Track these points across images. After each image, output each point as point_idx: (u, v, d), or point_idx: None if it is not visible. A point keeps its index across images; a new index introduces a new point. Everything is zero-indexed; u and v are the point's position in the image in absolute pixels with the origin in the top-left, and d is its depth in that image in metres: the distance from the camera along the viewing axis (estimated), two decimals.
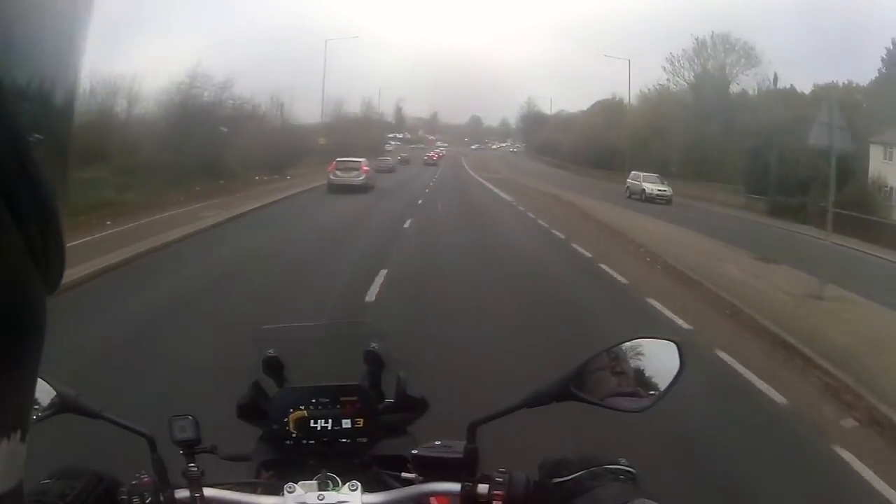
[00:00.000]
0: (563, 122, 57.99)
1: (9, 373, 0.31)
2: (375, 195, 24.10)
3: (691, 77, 38.09)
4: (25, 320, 0.31)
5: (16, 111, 0.29)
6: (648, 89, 42.20)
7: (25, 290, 0.31)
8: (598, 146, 41.62)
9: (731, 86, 36.31)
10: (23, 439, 0.32)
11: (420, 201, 22.10)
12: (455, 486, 1.01)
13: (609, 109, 44.49)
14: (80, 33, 0.34)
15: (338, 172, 25.20)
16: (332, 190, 24.39)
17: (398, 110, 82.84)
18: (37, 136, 0.31)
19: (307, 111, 47.95)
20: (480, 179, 36.77)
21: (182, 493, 1.03)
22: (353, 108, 53.79)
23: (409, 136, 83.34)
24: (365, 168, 25.65)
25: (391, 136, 74.15)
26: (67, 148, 0.34)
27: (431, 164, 51.06)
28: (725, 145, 29.94)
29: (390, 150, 55.27)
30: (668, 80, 38.67)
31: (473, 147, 77.95)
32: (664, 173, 30.34)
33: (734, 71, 36.05)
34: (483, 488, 1.00)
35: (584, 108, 55.74)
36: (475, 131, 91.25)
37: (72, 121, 0.35)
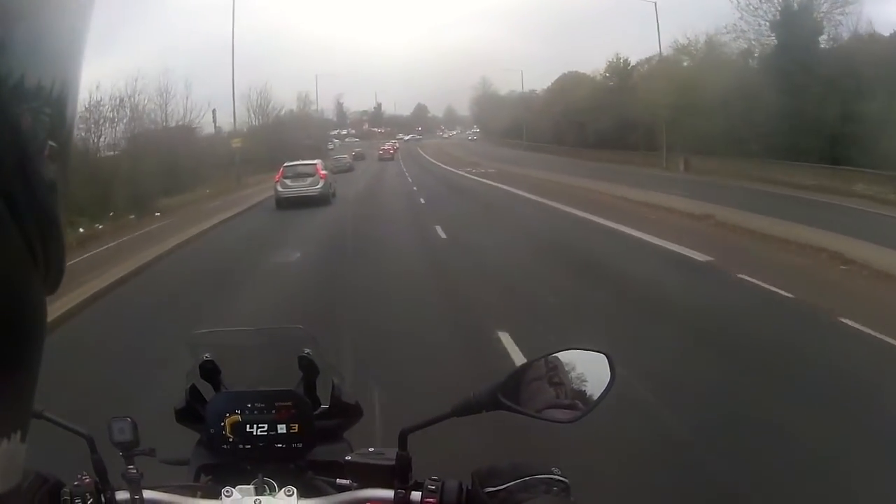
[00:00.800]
0: (526, 101, 53.07)
1: (8, 373, 0.32)
2: (344, 207, 18.90)
3: (771, 19, 25.17)
4: (25, 321, 0.32)
5: (16, 111, 0.29)
6: (687, 40, 29.54)
7: (25, 291, 0.32)
8: (603, 121, 32.81)
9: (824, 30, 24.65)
10: (23, 440, 0.33)
11: (429, 222, 14.24)
12: (388, 493, 1.05)
13: (617, 74, 36.28)
14: (81, 33, 0.35)
15: (286, 182, 20.02)
16: (281, 205, 19.46)
17: (339, 105, 77.44)
18: (51, 143, 0.32)
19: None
20: (466, 174, 30.56)
21: (122, 495, 1.05)
22: (288, 105, 47.00)
23: (353, 131, 77.55)
24: (321, 172, 20.53)
25: (334, 133, 68.42)
26: (68, 148, 0.35)
27: (388, 157, 46.05)
28: (824, 112, 19.98)
29: (332, 149, 49.78)
30: (738, 21, 25.88)
31: (418, 138, 71.92)
32: (709, 151, 23.12)
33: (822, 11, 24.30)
34: (416, 495, 1.03)
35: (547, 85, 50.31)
36: (422, 121, 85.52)
37: (73, 121, 0.36)
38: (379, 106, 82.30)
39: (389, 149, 50.42)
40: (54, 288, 0.35)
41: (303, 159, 22.04)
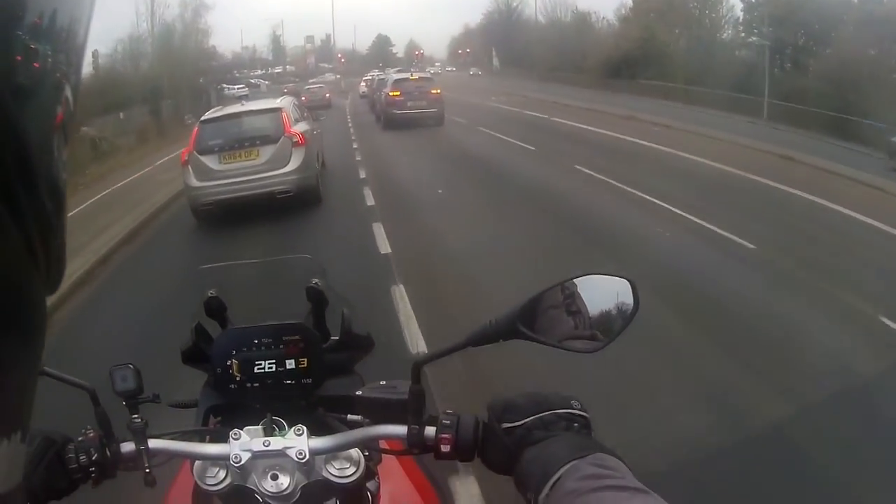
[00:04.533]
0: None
1: (9, 373, 0.34)
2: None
3: None
4: (25, 320, 0.35)
5: (16, 112, 0.32)
6: None
7: (25, 290, 0.35)
8: None
9: None
10: (23, 440, 0.36)
11: None
12: (402, 429, 1.04)
13: None
14: (82, 32, 0.37)
15: (208, 163, 9.51)
16: (200, 215, 9.72)
17: (274, 38, 64.84)
18: (51, 143, 0.35)
19: None
20: None
21: (128, 447, 1.08)
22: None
23: (292, 68, 63.99)
24: (293, 130, 9.91)
25: (254, 73, 56.90)
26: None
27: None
28: None
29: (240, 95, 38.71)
30: None
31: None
32: None
33: None
34: (430, 431, 1.03)
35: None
36: (383, 57, 72.75)
37: (73, 120, 0.38)
38: (328, 38, 69.40)
39: (363, 87, 41.10)
40: (54, 288, 0.37)
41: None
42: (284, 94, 14.58)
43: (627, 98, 29.55)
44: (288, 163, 9.22)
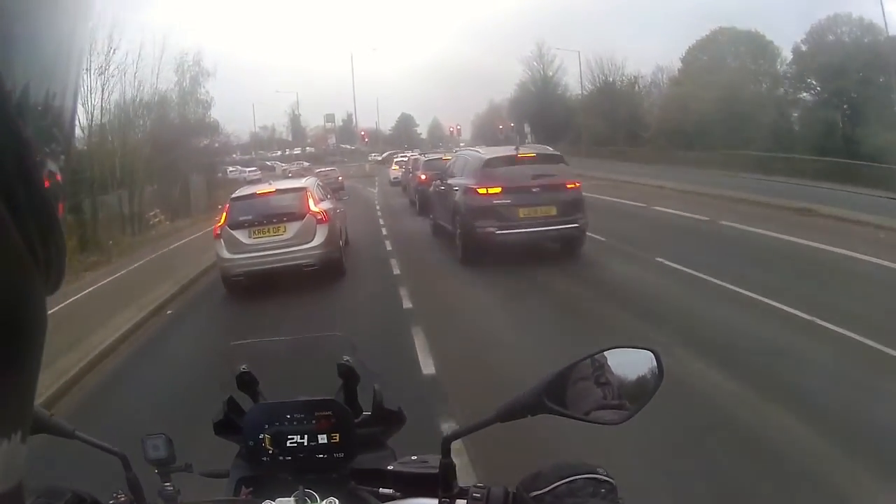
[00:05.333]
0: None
1: (9, 373, 0.37)
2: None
3: None
4: (26, 321, 0.37)
5: (16, 112, 0.34)
6: None
7: (25, 291, 0.37)
8: None
9: None
10: (23, 440, 0.38)
11: None
12: (433, 502, 1.19)
13: None
14: (82, 33, 0.41)
15: (239, 237, 11.40)
16: (234, 287, 11.57)
17: (294, 117, 68.62)
18: (52, 142, 0.38)
19: None
20: None
21: None
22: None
23: (311, 150, 67.11)
24: (316, 209, 11.78)
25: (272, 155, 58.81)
26: (69, 149, 0.41)
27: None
28: None
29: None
30: None
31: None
32: None
33: None
34: (461, 503, 1.17)
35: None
36: (407, 138, 76.74)
37: (74, 120, 0.42)
38: (349, 117, 72.35)
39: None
40: (55, 289, 0.40)
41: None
42: (289, 176, 16.08)
43: (719, 174, 27.67)
44: (313, 238, 11.01)
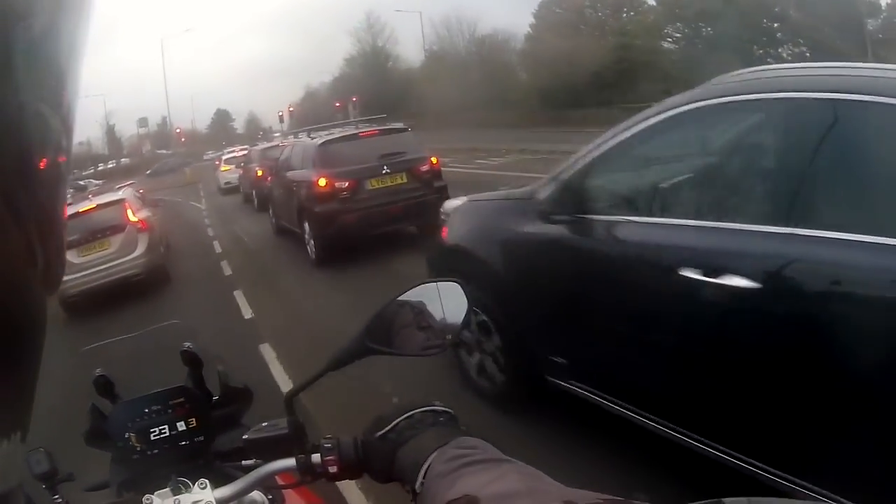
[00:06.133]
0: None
1: (8, 373, 0.40)
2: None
3: None
4: (25, 321, 0.41)
5: (15, 110, 0.37)
6: None
7: (25, 291, 0.41)
8: None
9: None
10: (23, 440, 0.42)
11: None
12: (290, 462, 1.32)
13: None
14: (82, 31, 0.44)
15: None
16: (67, 306, 12.43)
17: (109, 128, 68.09)
18: (53, 142, 0.42)
19: None
20: None
21: None
22: None
23: (127, 161, 66.52)
24: (132, 218, 13.26)
25: (84, 173, 57.88)
26: (69, 146, 0.44)
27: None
28: None
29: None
30: None
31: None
32: None
33: None
34: (316, 457, 1.30)
35: None
36: (225, 135, 77.62)
37: (74, 119, 0.45)
38: (164, 120, 72.77)
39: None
40: (54, 288, 0.44)
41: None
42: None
43: (543, 132, 31.63)
44: (136, 248, 12.88)
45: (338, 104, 53.18)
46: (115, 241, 12.77)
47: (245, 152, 30.21)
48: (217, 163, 39.24)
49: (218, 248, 16.97)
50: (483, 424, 4.13)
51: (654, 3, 45.51)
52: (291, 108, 66.69)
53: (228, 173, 31.03)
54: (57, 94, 0.41)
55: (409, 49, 63.00)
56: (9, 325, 0.39)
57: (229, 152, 37.51)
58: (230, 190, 29.02)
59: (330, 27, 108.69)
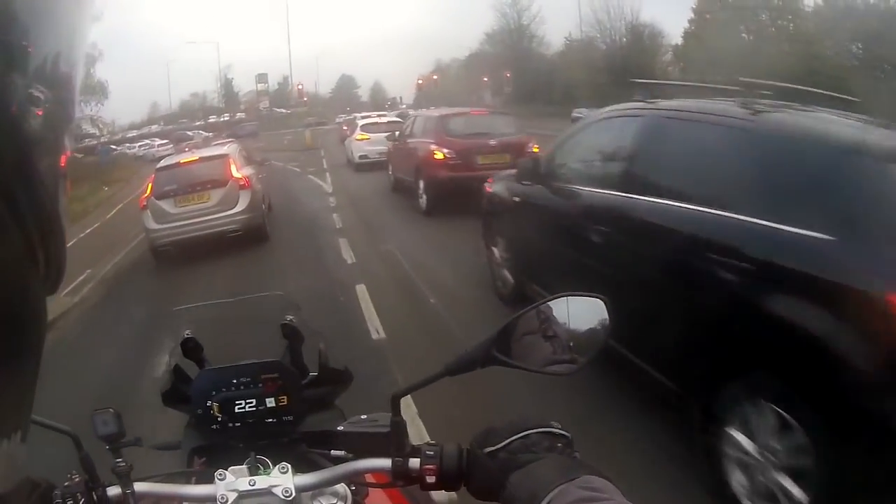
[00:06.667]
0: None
1: (9, 373, 0.42)
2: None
3: None
4: (25, 320, 0.43)
5: (16, 110, 0.39)
6: None
7: (25, 291, 0.43)
8: None
9: None
10: (23, 439, 0.44)
11: None
12: (386, 462, 1.32)
13: None
14: (82, 32, 0.47)
15: (164, 206, 13.74)
16: (161, 256, 13.60)
17: (227, 83, 69.63)
18: (53, 142, 0.44)
19: None
20: None
21: (114, 490, 1.34)
22: None
23: (242, 115, 68.39)
24: (237, 175, 14.03)
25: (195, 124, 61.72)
26: (69, 146, 0.47)
27: None
28: None
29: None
30: None
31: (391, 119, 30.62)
32: None
33: None
34: (414, 462, 1.30)
35: None
36: (348, 101, 77.90)
37: (73, 122, 0.48)
38: (285, 80, 73.86)
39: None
40: (54, 288, 0.46)
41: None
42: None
43: None
44: (236, 204, 13.66)
45: (485, 79, 55.06)
46: (216, 195, 13.60)
47: (391, 120, 27.50)
48: (344, 128, 36.64)
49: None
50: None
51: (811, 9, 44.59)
52: (420, 81, 69.93)
53: (366, 144, 25.79)
54: (58, 92, 0.43)
55: (559, 29, 62.16)
56: (9, 325, 0.40)
57: (365, 117, 33.33)
58: (367, 166, 24.70)
59: (470, 4, 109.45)
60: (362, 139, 26.24)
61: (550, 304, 1.33)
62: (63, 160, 0.46)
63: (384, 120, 28.41)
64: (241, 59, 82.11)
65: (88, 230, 18.93)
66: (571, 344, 1.32)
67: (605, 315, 1.32)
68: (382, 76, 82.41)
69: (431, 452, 1.29)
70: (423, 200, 15.46)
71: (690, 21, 50.40)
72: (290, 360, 1.62)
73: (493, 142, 14.71)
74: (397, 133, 19.23)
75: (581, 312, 1.33)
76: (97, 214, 22.41)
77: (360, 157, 25.74)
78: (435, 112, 17.58)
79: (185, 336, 1.63)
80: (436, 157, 14.79)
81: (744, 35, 46.01)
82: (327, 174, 26.09)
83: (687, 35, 50.37)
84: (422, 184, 15.49)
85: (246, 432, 1.50)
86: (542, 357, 1.32)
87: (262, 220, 14.33)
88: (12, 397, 0.43)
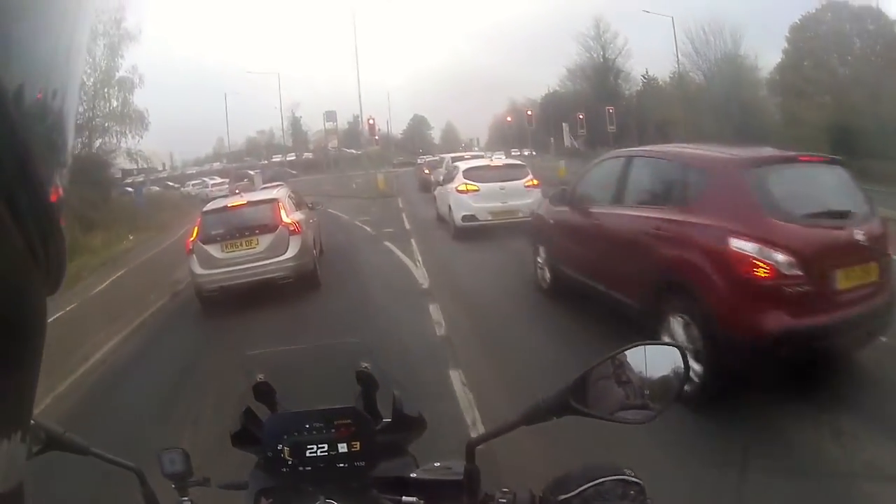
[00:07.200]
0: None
1: (9, 373, 0.45)
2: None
3: None
4: (26, 321, 0.46)
5: (16, 112, 0.41)
6: None
7: (26, 291, 0.45)
8: None
9: None
10: (23, 440, 0.47)
11: None
12: None
13: None
14: (80, 32, 0.50)
15: (210, 251, 14.01)
16: (206, 301, 14.04)
17: (294, 121, 72.59)
18: (53, 142, 0.48)
19: None
20: None
21: None
22: None
23: (310, 156, 70.62)
24: (287, 220, 14.34)
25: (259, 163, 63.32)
26: (69, 147, 0.51)
27: None
28: None
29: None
30: None
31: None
32: None
33: None
34: None
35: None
36: (421, 142, 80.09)
37: (73, 122, 0.51)
38: (355, 119, 73.64)
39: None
40: (55, 288, 0.49)
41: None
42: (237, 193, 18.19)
43: None
44: (286, 250, 13.97)
45: (529, 113, 54.49)
46: (264, 241, 13.91)
47: (510, 163, 21.86)
48: (426, 171, 32.30)
49: None
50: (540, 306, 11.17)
51: None
52: (510, 119, 70.87)
53: (473, 198, 19.19)
54: (56, 95, 0.46)
55: (650, 62, 61.46)
56: (9, 325, 0.43)
57: (458, 158, 27.70)
58: (474, 232, 18.68)
59: (546, 42, 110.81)
60: (468, 190, 19.40)
61: (627, 352, 1.40)
62: (63, 160, 0.49)
63: (499, 163, 21.93)
64: (310, 98, 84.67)
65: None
66: (647, 392, 1.39)
67: (681, 363, 1.41)
68: (454, 117, 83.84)
69: (504, 500, 1.38)
70: (699, 372, 6.55)
71: (784, 51, 50.05)
72: (364, 406, 1.71)
73: (859, 234, 6.74)
74: (563, 189, 11.56)
75: (656, 361, 1.41)
76: (87, 285, 18.14)
77: (465, 217, 19.22)
78: (714, 152, 8.06)
79: (258, 380, 1.73)
80: (754, 271, 6.42)
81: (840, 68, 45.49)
82: (412, 241, 19.19)
83: (782, 68, 49.89)
84: (702, 329, 6.74)
85: (316, 476, 1.60)
86: (616, 404, 1.39)
87: (314, 266, 14.55)
88: (12, 398, 0.45)
